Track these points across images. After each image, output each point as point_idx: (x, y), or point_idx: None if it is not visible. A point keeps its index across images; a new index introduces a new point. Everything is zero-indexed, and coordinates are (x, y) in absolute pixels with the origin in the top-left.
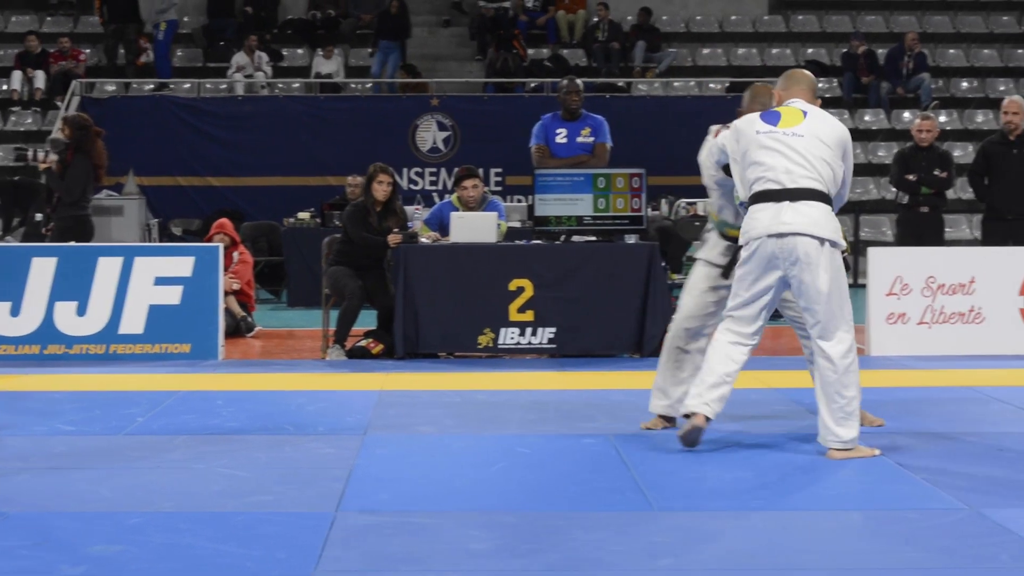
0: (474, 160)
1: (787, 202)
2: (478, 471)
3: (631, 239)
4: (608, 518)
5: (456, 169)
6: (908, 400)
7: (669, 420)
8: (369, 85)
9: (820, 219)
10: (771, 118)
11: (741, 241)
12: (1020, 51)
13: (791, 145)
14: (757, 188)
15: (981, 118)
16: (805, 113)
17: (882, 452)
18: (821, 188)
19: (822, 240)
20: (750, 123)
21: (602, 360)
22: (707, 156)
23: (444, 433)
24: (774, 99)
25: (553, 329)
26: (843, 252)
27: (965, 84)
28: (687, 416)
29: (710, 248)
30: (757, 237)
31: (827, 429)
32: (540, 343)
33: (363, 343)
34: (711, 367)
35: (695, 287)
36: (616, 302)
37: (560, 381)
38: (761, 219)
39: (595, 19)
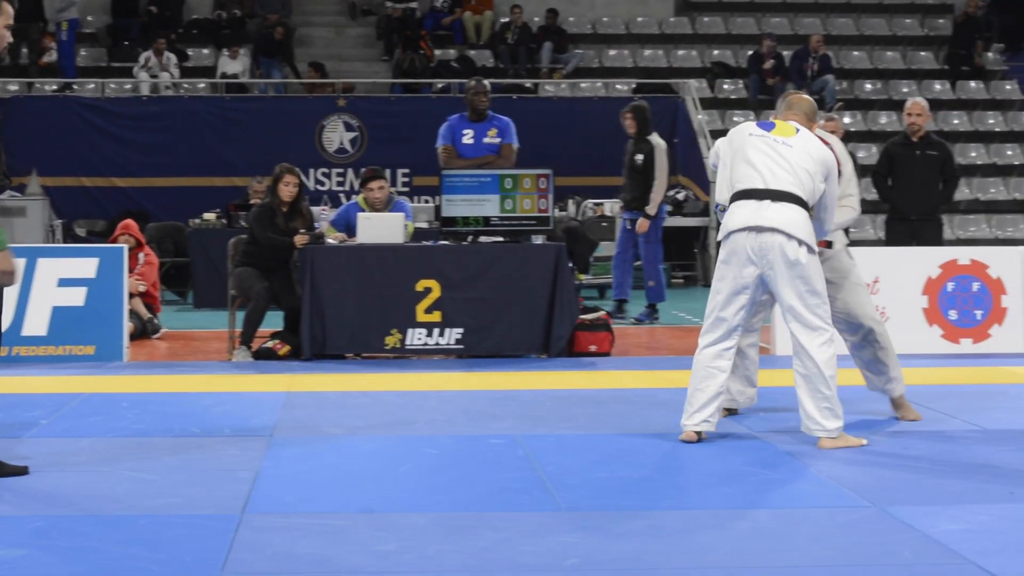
0: (381, 161)
1: (768, 200)
2: (386, 472)
3: (538, 240)
4: (516, 518)
5: (362, 170)
6: None
7: (729, 411)
8: (275, 85)
9: (799, 220)
10: (765, 126)
11: (720, 236)
12: (923, 53)
13: (779, 151)
14: (740, 186)
15: (884, 119)
16: (798, 130)
17: (868, 443)
18: (802, 195)
19: (800, 241)
20: (744, 128)
21: (509, 360)
22: (713, 165)
23: (352, 434)
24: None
25: (460, 330)
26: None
27: (869, 86)
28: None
29: None
30: (735, 230)
31: (813, 421)
32: (448, 344)
33: (270, 344)
34: (700, 386)
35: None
36: (523, 303)
37: (467, 382)
38: (741, 214)
39: (504, 20)
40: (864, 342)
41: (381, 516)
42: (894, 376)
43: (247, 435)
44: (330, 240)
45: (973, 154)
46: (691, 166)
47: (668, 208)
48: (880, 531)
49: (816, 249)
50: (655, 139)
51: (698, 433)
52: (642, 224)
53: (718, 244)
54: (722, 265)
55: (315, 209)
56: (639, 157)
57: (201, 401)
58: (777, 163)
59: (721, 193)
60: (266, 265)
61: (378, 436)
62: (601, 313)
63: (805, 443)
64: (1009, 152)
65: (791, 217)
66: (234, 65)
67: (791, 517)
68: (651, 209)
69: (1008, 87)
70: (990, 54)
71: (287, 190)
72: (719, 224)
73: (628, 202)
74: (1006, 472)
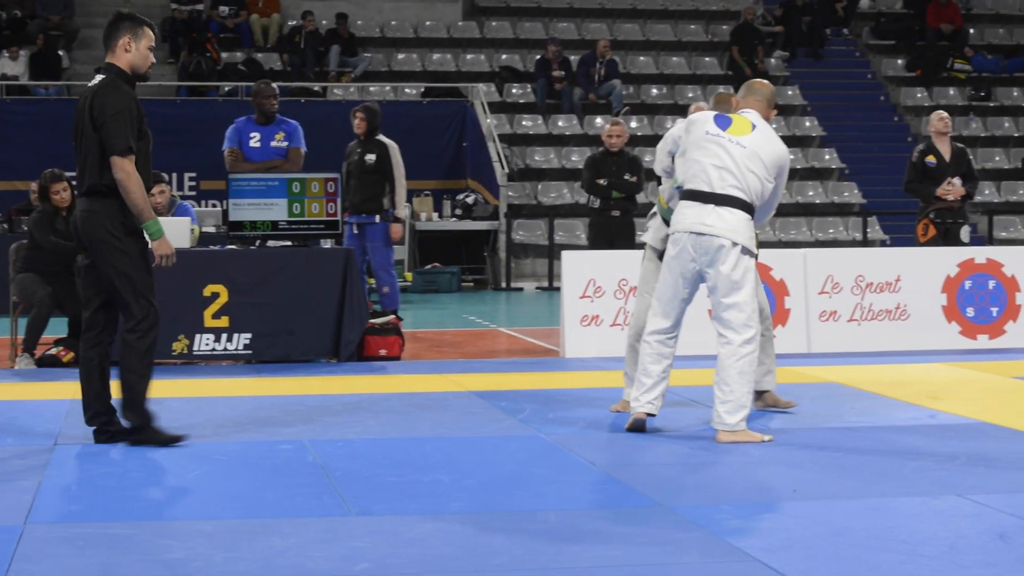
0: (167, 164)
1: (712, 205)
2: (174, 479)
3: (327, 244)
4: (306, 524)
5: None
6: (600, 399)
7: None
8: (56, 87)
9: (738, 226)
10: (723, 122)
11: (668, 231)
12: (707, 59)
13: (730, 152)
14: (689, 186)
15: (670, 124)
16: (754, 127)
17: (773, 439)
18: (744, 198)
19: (736, 244)
20: (703, 122)
21: (299, 365)
22: (662, 144)
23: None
24: (732, 106)
25: (249, 335)
26: (755, 257)
27: (655, 90)
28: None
29: (654, 233)
30: (682, 231)
31: (716, 414)
32: (236, 349)
33: (53, 351)
34: (646, 368)
35: (647, 282)
36: (312, 307)
37: (256, 387)
38: (687, 216)
39: (292, 23)
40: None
41: (168, 524)
42: (771, 369)
43: (30, 443)
44: None
45: None
46: (480, 170)
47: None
48: (666, 530)
49: (755, 252)
50: (387, 139)
51: (648, 413)
52: (396, 230)
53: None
54: (670, 260)
55: None
56: (370, 157)
57: None
58: (725, 166)
59: (680, 175)
60: (49, 270)
61: None
62: (391, 317)
63: (592, 443)
64: (791, 157)
65: (731, 223)
66: (14, 67)
67: (579, 518)
68: (400, 212)
69: (790, 92)
70: (773, 60)
71: (57, 198)
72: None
73: (357, 205)
74: (788, 469)
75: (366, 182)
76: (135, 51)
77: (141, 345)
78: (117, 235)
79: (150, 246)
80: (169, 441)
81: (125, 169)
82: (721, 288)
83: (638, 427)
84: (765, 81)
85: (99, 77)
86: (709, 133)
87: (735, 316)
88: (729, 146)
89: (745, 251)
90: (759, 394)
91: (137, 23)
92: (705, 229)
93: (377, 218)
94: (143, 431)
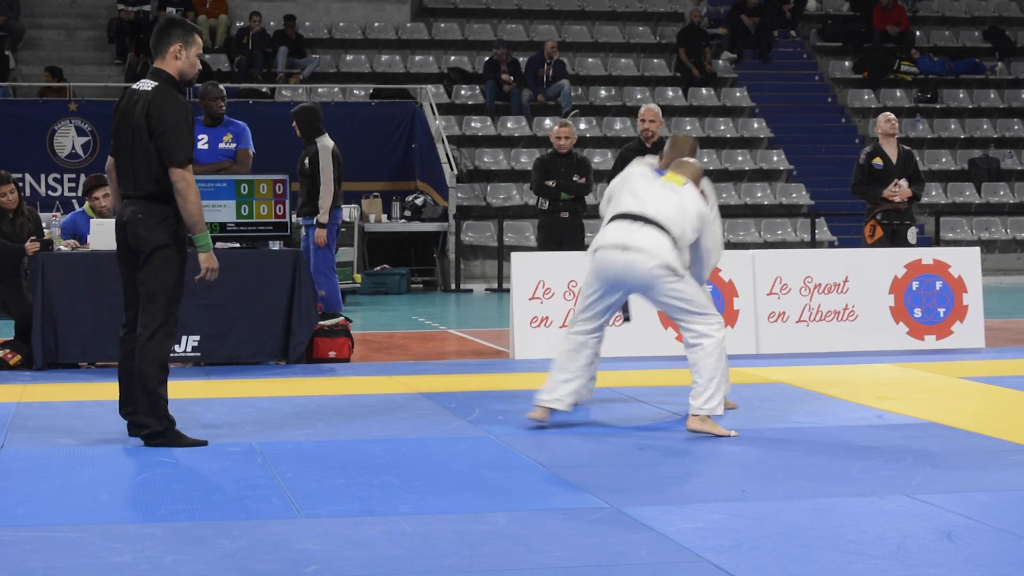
0: None
1: (640, 223)
2: (122, 483)
3: (275, 246)
4: (255, 527)
5: (85, 179)
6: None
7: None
8: (3, 88)
9: (665, 245)
10: (659, 173)
11: (591, 248)
12: (656, 61)
13: (665, 194)
14: (618, 210)
15: (619, 125)
16: (686, 184)
17: (738, 434)
18: (672, 230)
19: (662, 262)
20: (637, 171)
21: (247, 368)
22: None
23: (86, 444)
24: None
25: (197, 337)
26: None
27: (603, 92)
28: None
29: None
30: (603, 247)
31: (690, 405)
32: (184, 351)
33: (0, 354)
34: (561, 364)
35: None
36: (261, 309)
37: (204, 389)
38: (612, 231)
39: (240, 24)
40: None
41: (115, 527)
42: None
43: None
44: (61, 248)
45: (705, 160)
46: (429, 171)
47: (343, 213)
48: (616, 531)
49: (681, 273)
50: (322, 141)
51: (547, 409)
52: (319, 235)
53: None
54: (598, 270)
55: (46, 215)
56: (306, 161)
57: None
58: (657, 198)
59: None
60: None
61: (112, 446)
62: (340, 319)
63: (543, 443)
64: (740, 158)
65: (659, 242)
66: None
67: (528, 519)
68: (322, 217)
69: (738, 94)
70: (720, 62)
71: (4, 200)
72: None
73: (300, 208)
74: (738, 470)
75: (303, 184)
76: (185, 58)
77: (159, 351)
78: (168, 241)
79: (199, 259)
80: (194, 444)
81: (186, 179)
82: (658, 300)
83: (540, 419)
84: (685, 137)
85: (148, 82)
86: (645, 175)
87: (683, 320)
88: (661, 186)
89: (669, 268)
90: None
91: (188, 30)
92: (631, 243)
93: (315, 220)
94: (167, 435)
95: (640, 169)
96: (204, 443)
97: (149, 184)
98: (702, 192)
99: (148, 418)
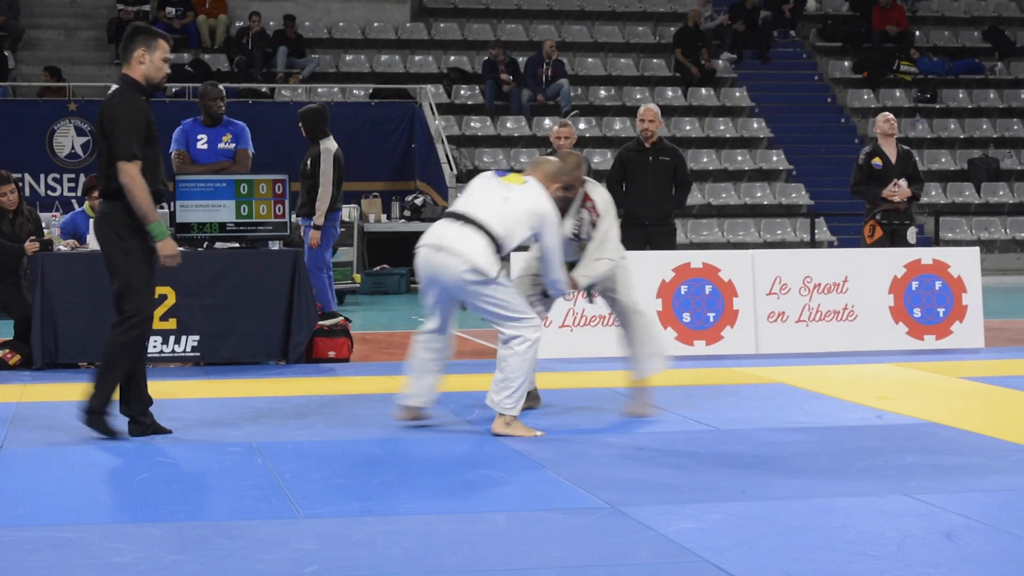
0: None
1: (460, 223)
2: (122, 482)
3: (275, 246)
4: (255, 527)
5: (85, 179)
6: (549, 401)
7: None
8: (2, 88)
9: (479, 247)
10: (500, 173)
11: (417, 246)
12: (655, 61)
13: (496, 192)
14: (448, 210)
15: (619, 125)
16: (527, 183)
17: (544, 433)
18: (494, 232)
19: (473, 267)
20: (487, 175)
21: (247, 367)
22: None
23: (86, 444)
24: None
25: (197, 337)
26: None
27: (603, 92)
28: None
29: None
30: (423, 245)
31: (491, 399)
32: (184, 351)
33: None
34: (412, 364)
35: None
36: (261, 309)
37: (204, 389)
38: (433, 230)
39: (240, 24)
40: (624, 325)
41: (115, 527)
42: (642, 358)
43: None
44: (61, 247)
45: (705, 160)
46: (429, 171)
47: (343, 213)
48: (616, 531)
49: (490, 277)
50: (326, 143)
51: (411, 409)
52: (313, 236)
53: None
54: (421, 270)
55: (46, 215)
56: (308, 162)
57: None
58: (485, 200)
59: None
60: None
61: (113, 446)
62: (340, 319)
63: (541, 443)
64: (739, 158)
65: (473, 242)
66: None
67: (528, 519)
68: (318, 219)
69: (738, 94)
70: (720, 62)
71: (4, 200)
72: None
73: (299, 208)
74: (737, 470)
75: (304, 185)
76: (149, 62)
77: (122, 339)
78: (122, 236)
79: (156, 248)
80: (109, 434)
81: (129, 173)
82: (471, 303)
83: (407, 419)
84: (553, 159)
85: (113, 87)
86: (485, 177)
87: (502, 323)
88: (497, 188)
89: (480, 273)
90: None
91: (151, 36)
92: (445, 243)
93: (311, 221)
94: (93, 415)
95: (488, 173)
96: (117, 435)
97: (103, 182)
98: (566, 190)
99: (91, 393)
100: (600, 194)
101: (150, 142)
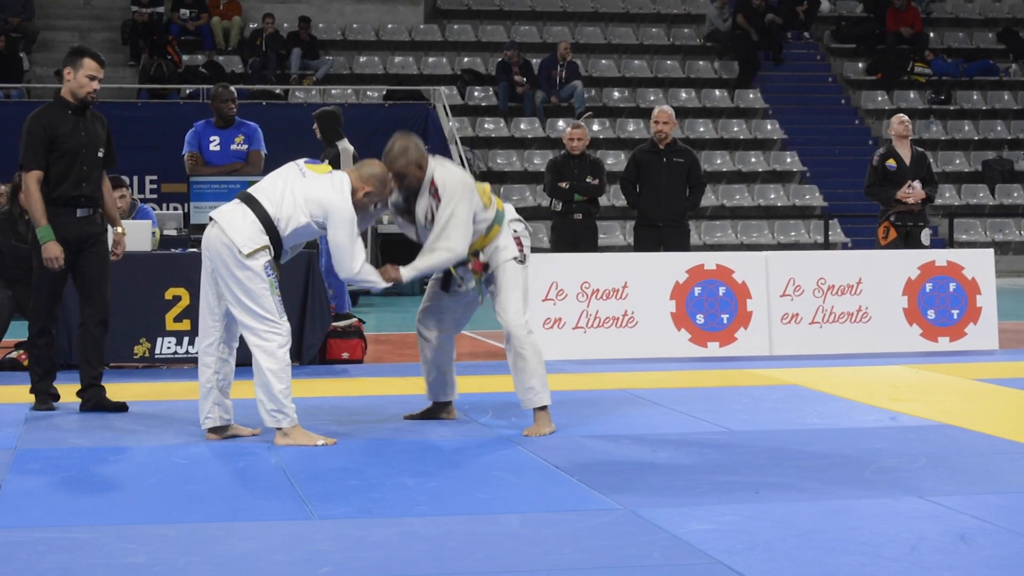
0: (128, 167)
1: (238, 201)
2: (135, 483)
3: None
4: (268, 528)
5: None
6: (562, 402)
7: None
8: (17, 90)
9: (245, 223)
10: (311, 161)
11: None
12: (669, 62)
13: (287, 176)
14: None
15: (632, 127)
16: (330, 174)
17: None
18: (268, 211)
19: (230, 243)
20: (295, 162)
21: None
22: None
23: (99, 446)
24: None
25: None
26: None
27: (616, 94)
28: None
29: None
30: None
31: (261, 405)
32: (198, 352)
33: (14, 355)
34: (199, 385)
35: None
36: None
37: None
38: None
39: (254, 25)
40: (508, 347)
41: (129, 528)
42: (529, 386)
43: None
44: None
45: (718, 161)
46: None
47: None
48: (630, 533)
49: (241, 252)
50: (342, 144)
51: (213, 430)
52: None
53: None
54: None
55: None
56: (326, 163)
57: None
58: (277, 182)
59: None
60: (9, 274)
61: (126, 447)
62: (353, 320)
63: (555, 445)
64: (753, 159)
65: (241, 218)
66: None
67: (542, 520)
68: None
69: (751, 96)
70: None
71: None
72: None
73: None
74: (750, 472)
75: None
76: (73, 79)
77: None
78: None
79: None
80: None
81: (25, 182)
82: (229, 297)
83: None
84: (376, 161)
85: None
86: (290, 164)
87: (244, 317)
88: (295, 171)
89: (238, 251)
90: (443, 405)
91: (80, 55)
92: (217, 216)
93: None
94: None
95: (299, 160)
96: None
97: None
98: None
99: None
100: (445, 176)
101: (61, 154)
